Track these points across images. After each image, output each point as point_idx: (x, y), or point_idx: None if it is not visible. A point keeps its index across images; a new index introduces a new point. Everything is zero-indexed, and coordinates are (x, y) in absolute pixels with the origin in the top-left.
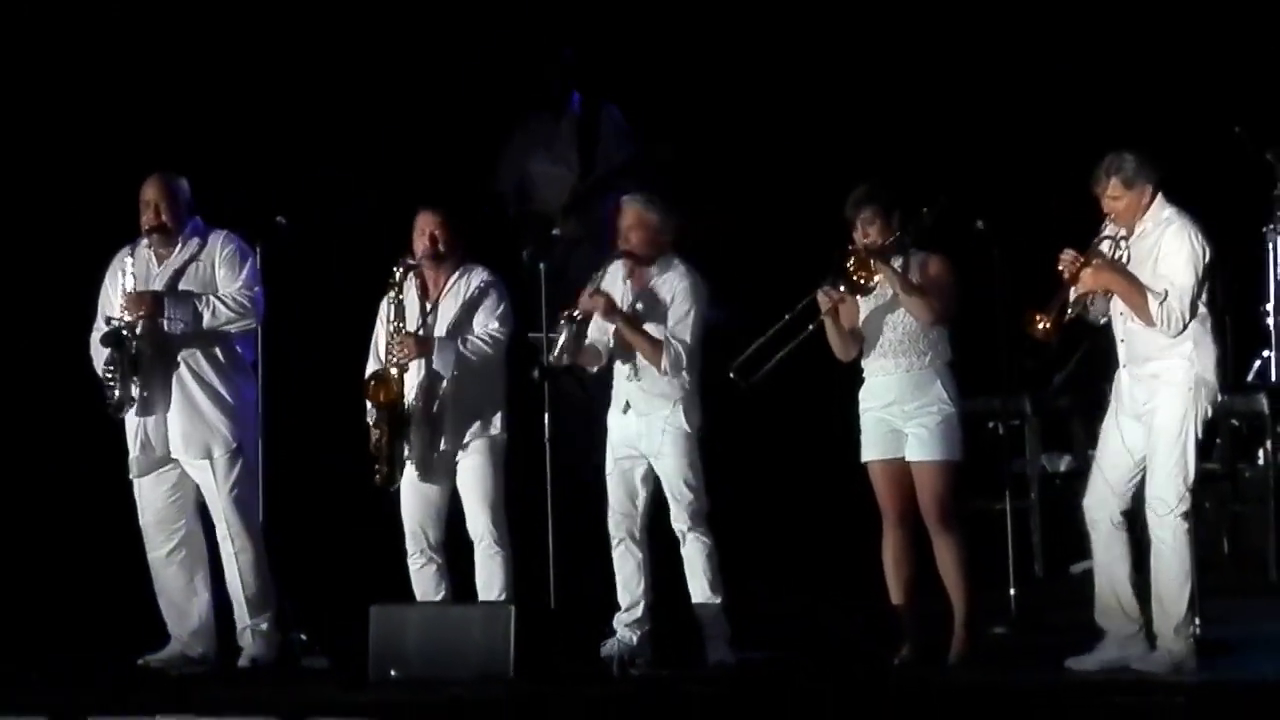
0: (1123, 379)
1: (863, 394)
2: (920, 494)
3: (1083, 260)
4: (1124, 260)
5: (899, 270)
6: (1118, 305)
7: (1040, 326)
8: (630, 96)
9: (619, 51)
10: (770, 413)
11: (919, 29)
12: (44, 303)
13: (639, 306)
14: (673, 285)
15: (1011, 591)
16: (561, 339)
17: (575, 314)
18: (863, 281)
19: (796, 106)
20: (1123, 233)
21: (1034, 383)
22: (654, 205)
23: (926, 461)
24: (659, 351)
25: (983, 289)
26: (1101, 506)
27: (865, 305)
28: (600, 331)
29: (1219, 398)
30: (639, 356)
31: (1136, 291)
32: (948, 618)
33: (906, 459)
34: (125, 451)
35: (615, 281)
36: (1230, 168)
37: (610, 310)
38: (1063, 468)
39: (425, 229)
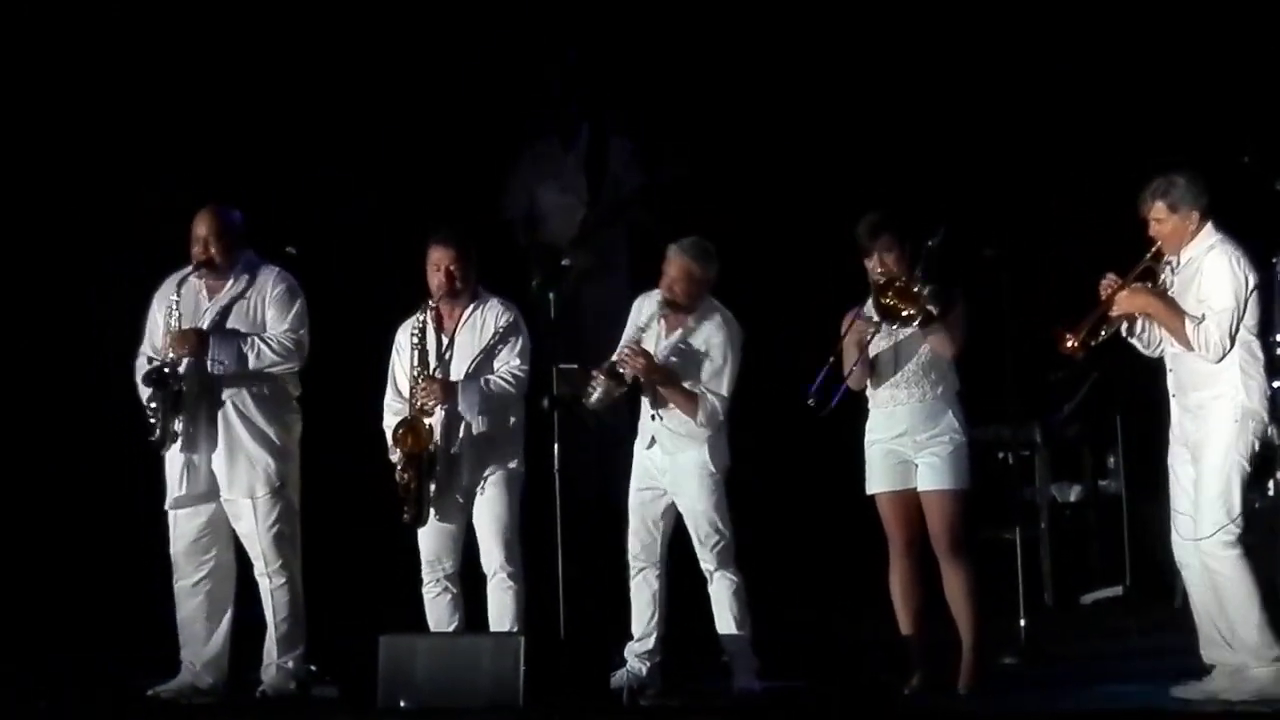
0: (1173, 410)
1: (870, 425)
2: (930, 523)
3: (1121, 284)
4: (1167, 286)
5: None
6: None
7: (1069, 345)
8: (640, 114)
9: (629, 69)
10: (771, 445)
11: (928, 51)
12: (62, 324)
13: (674, 357)
14: (709, 337)
15: (1021, 621)
16: (598, 393)
17: (619, 370)
18: (904, 313)
19: (805, 127)
20: (1169, 259)
21: (1050, 401)
22: (701, 257)
23: (937, 491)
24: (695, 405)
25: (991, 317)
26: (1186, 545)
27: (877, 338)
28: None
29: (1268, 429)
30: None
31: (1174, 315)
32: (957, 647)
33: (918, 489)
34: (148, 480)
35: (650, 327)
36: (1239, 198)
37: (650, 371)
38: (1072, 497)
39: (440, 264)
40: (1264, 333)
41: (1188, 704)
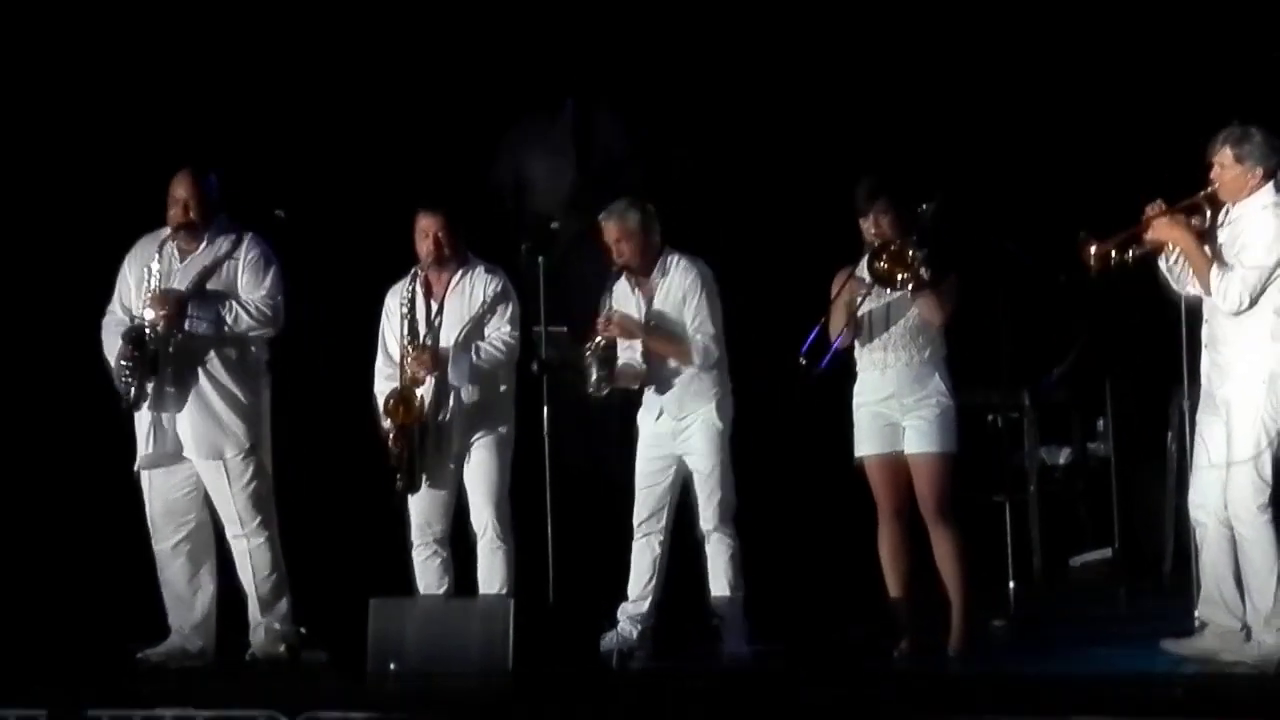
0: (1203, 363)
1: (857, 389)
2: (918, 486)
3: (1163, 210)
4: (1208, 230)
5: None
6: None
7: (1090, 253)
8: (635, 92)
9: (623, 46)
10: (762, 409)
11: (927, 30)
12: (47, 289)
13: (655, 316)
14: (681, 284)
15: (1010, 584)
16: (594, 374)
17: (600, 343)
18: (899, 277)
19: (802, 88)
20: (1225, 207)
21: (1038, 363)
22: (632, 210)
23: (925, 453)
24: (688, 351)
25: (982, 283)
26: (1204, 504)
27: (867, 298)
28: (631, 351)
29: None
30: (671, 361)
31: (1203, 257)
32: (946, 611)
33: (905, 452)
34: (129, 443)
35: (626, 298)
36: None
37: (629, 330)
38: (1061, 460)
39: (428, 232)
40: None
41: (1178, 660)
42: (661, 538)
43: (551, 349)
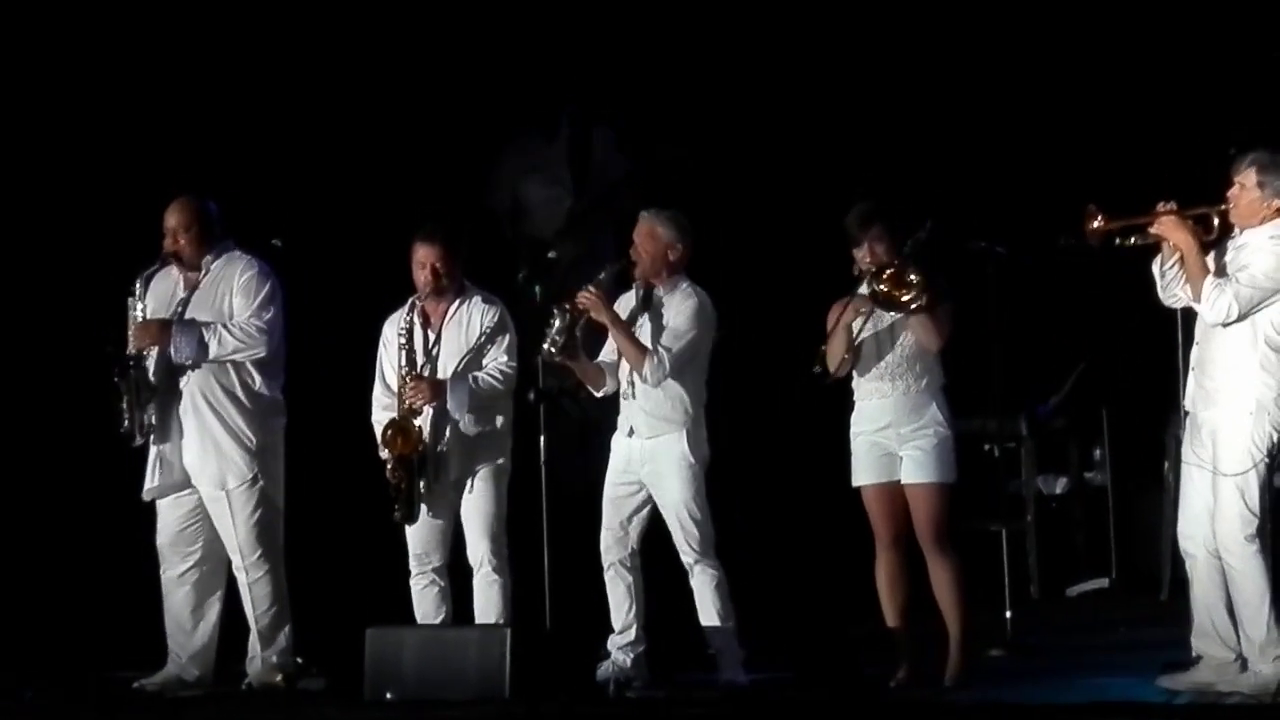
0: (1189, 386)
1: (855, 418)
2: (915, 516)
3: (1176, 211)
4: (1222, 253)
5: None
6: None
7: (1094, 224)
8: (627, 101)
9: (615, 54)
10: (759, 437)
11: (920, 39)
12: (56, 313)
13: (641, 322)
14: (676, 305)
15: (1007, 614)
16: (554, 329)
17: (568, 306)
18: (897, 297)
19: (796, 114)
20: (1235, 231)
21: (1034, 389)
22: (668, 222)
23: (922, 484)
24: (644, 357)
25: (978, 310)
26: (1193, 535)
27: (863, 325)
28: (609, 353)
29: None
30: (632, 372)
31: (1201, 266)
32: (943, 640)
33: (902, 481)
34: (135, 468)
35: (629, 300)
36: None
37: (601, 307)
38: (1058, 489)
39: (425, 262)
40: None
41: (1173, 695)
42: (629, 564)
43: (550, 378)
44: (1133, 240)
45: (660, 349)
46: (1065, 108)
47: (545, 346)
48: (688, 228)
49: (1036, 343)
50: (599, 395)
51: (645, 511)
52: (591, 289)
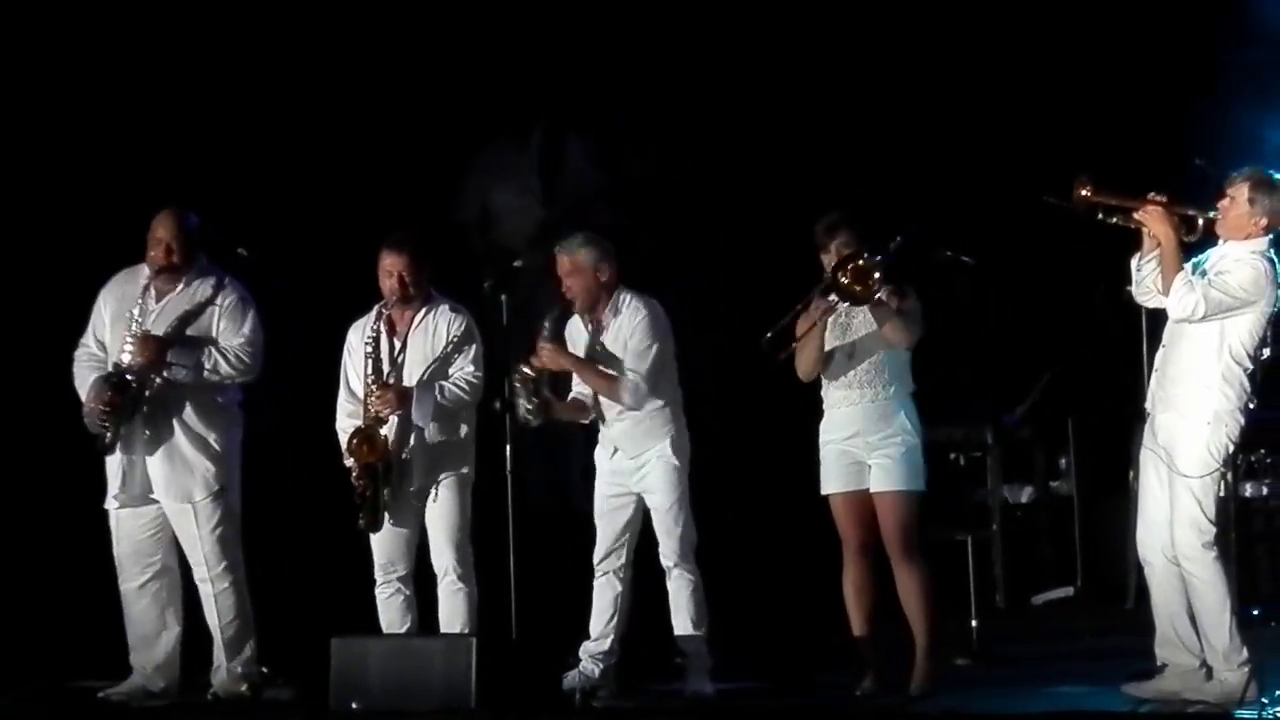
0: (1150, 386)
1: (824, 426)
2: (883, 524)
3: (1163, 203)
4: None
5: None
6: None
7: (1081, 193)
8: (600, 112)
9: (589, 64)
10: (727, 444)
11: (895, 50)
12: (20, 319)
13: (600, 353)
14: (626, 324)
15: (973, 622)
16: (522, 405)
17: (527, 372)
18: (859, 292)
19: (770, 125)
20: (1220, 241)
21: (1002, 399)
22: (584, 248)
23: (890, 492)
24: (616, 386)
25: (946, 318)
26: (1151, 543)
27: (830, 336)
28: (580, 385)
29: (1238, 435)
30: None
31: (1177, 261)
32: (909, 648)
33: (870, 490)
34: (100, 482)
35: (579, 333)
36: (1193, 197)
37: (558, 355)
38: (1024, 498)
39: (392, 270)
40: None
41: (1139, 703)
42: (622, 574)
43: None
44: (1115, 220)
45: (630, 374)
46: (1036, 116)
47: (522, 417)
48: (603, 242)
49: (1002, 352)
50: (584, 423)
51: (639, 521)
52: (543, 343)
